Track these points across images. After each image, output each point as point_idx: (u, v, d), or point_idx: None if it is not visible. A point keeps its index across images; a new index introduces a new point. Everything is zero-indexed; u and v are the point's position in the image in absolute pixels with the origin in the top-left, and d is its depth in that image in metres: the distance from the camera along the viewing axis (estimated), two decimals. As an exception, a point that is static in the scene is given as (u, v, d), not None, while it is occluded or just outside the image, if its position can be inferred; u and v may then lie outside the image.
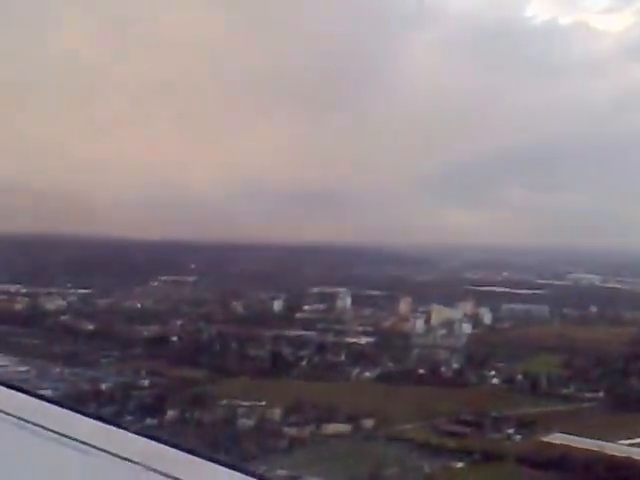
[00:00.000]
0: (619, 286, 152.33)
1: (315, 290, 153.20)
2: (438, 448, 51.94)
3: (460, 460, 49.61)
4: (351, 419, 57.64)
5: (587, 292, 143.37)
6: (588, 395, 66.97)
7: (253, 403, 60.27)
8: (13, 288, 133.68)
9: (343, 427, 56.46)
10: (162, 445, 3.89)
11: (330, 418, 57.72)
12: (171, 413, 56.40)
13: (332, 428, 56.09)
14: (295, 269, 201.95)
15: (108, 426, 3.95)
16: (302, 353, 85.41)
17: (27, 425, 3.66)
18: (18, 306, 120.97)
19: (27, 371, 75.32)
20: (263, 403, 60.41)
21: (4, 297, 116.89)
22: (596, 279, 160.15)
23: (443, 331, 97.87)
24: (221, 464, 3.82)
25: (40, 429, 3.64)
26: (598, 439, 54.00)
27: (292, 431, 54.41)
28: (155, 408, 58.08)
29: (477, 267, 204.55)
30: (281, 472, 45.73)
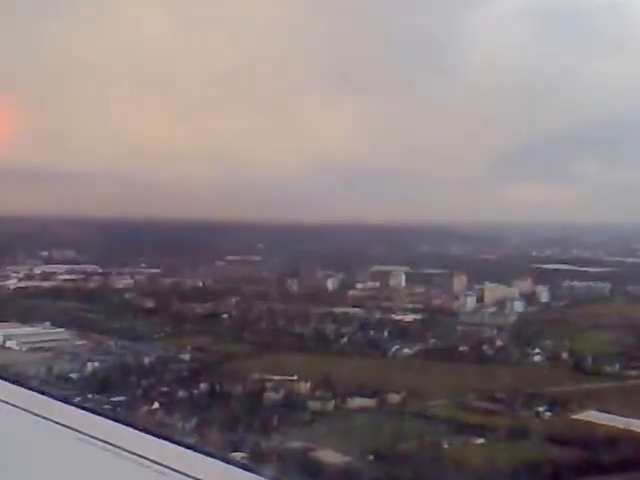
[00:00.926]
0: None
1: (374, 269, 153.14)
2: (463, 425, 50.75)
3: (482, 436, 48.31)
4: (378, 394, 57.29)
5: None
6: (633, 373, 63.70)
7: (284, 378, 60.97)
8: (90, 268, 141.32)
9: (368, 402, 56.19)
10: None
11: (357, 393, 57.57)
12: (203, 386, 57.78)
13: (357, 403, 55.93)
14: (360, 248, 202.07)
15: (185, 449, 4.03)
16: (345, 330, 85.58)
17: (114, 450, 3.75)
18: (91, 285, 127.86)
19: (83, 345, 79.52)
20: (294, 377, 61.00)
21: (81, 276, 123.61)
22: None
23: (492, 309, 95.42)
24: None
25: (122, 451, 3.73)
26: (635, 417, 51.49)
27: (316, 405, 54.60)
28: (189, 381, 59.79)
29: (546, 245, 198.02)
30: (296, 444, 46.19)
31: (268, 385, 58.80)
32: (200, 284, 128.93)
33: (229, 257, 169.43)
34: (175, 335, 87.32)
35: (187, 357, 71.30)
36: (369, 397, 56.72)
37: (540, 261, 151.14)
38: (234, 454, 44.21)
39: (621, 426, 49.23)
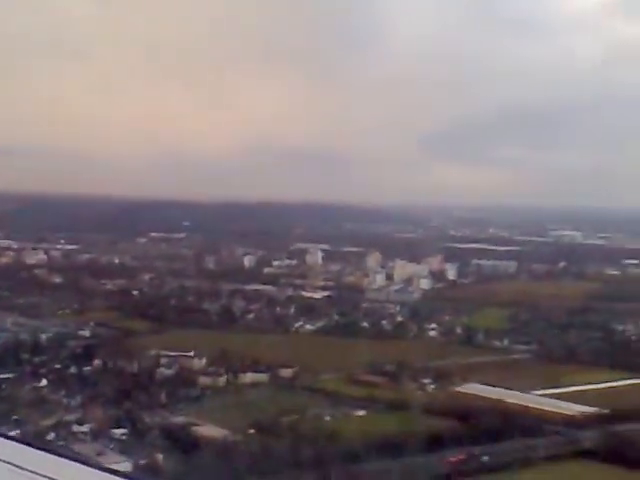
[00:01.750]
0: (600, 242, 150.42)
1: (295, 247, 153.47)
2: (349, 397, 51.72)
3: (364, 409, 49.39)
4: (271, 369, 57.67)
5: (565, 248, 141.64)
6: (521, 347, 66.34)
7: (180, 354, 60.49)
8: (4, 244, 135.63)
9: (261, 377, 56.49)
10: None
11: (251, 368, 57.74)
12: (96, 363, 56.69)
13: (250, 378, 56.13)
14: (284, 226, 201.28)
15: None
16: (253, 307, 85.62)
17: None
18: (2, 260, 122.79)
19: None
20: (191, 354, 60.61)
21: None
22: (578, 236, 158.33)
23: (398, 286, 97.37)
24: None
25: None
26: (514, 389, 53.76)
27: (207, 381, 54.49)
28: (83, 357, 58.50)
29: (464, 225, 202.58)
30: (180, 419, 46.01)
31: (163, 361, 58.31)
32: (116, 261, 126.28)
33: (152, 234, 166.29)
34: (81, 311, 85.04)
35: (87, 333, 69.74)
36: (262, 372, 57.13)
37: (456, 240, 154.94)
38: (114, 430, 43.95)
39: (497, 397, 51.27)
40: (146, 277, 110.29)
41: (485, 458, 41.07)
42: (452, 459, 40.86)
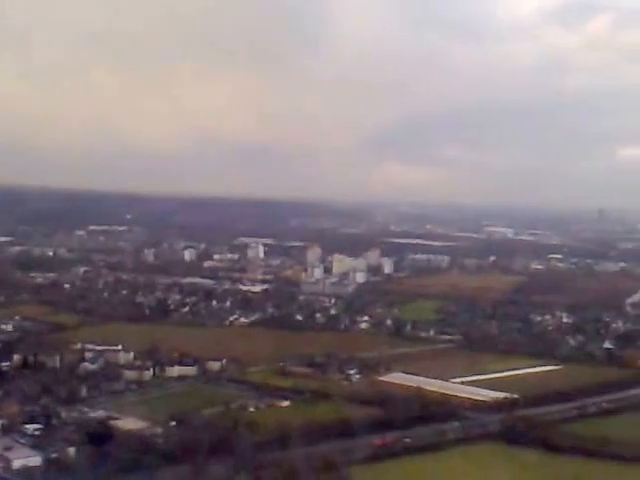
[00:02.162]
0: (529, 238, 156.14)
1: (238, 241, 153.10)
2: (275, 388, 51.86)
3: (288, 399, 49.63)
4: (199, 362, 57.33)
5: (497, 244, 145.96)
6: (445, 338, 67.95)
7: (107, 348, 59.47)
8: None
9: (189, 370, 56.09)
10: None
11: (179, 362, 57.26)
12: (16, 357, 55.17)
13: (177, 371, 55.67)
14: (230, 221, 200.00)
15: None
16: (189, 300, 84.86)
17: None
18: None
19: None
20: (118, 347, 59.62)
21: None
22: (509, 232, 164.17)
23: (334, 279, 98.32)
24: None
25: None
26: (436, 378, 54.96)
27: (132, 374, 53.76)
28: (3, 352, 56.80)
29: (405, 220, 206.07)
30: (99, 414, 45.22)
31: (87, 356, 57.13)
32: (51, 253, 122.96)
33: (91, 227, 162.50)
34: (6, 305, 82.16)
35: (9, 327, 67.54)
36: (190, 365, 56.67)
37: (396, 235, 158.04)
38: (27, 426, 42.78)
39: (418, 385, 52.38)
40: (80, 270, 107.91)
41: (407, 440, 41.90)
42: (378, 442, 41.63)
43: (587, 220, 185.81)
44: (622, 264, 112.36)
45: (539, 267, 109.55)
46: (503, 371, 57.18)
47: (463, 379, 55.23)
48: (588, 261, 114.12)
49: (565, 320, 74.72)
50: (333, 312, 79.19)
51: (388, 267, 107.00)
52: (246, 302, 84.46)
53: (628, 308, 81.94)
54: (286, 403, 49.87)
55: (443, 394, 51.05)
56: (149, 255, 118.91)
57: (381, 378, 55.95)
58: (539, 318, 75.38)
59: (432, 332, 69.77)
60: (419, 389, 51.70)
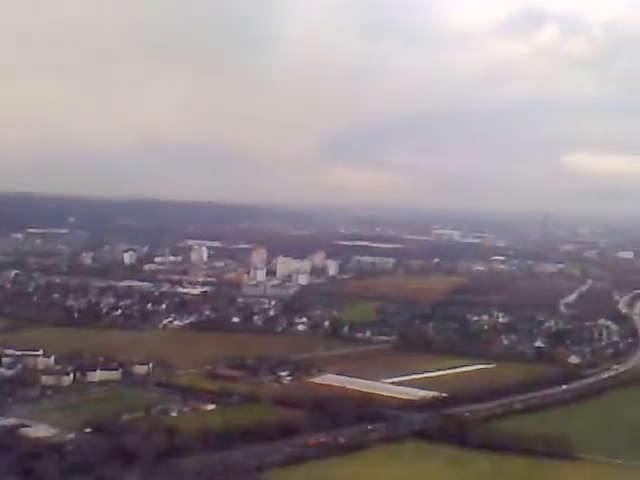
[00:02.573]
0: (475, 241, 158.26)
1: (185, 243, 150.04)
2: (202, 392, 50.19)
3: (215, 403, 48.00)
4: (124, 367, 55.13)
5: (444, 246, 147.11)
6: (382, 338, 67.35)
7: (27, 352, 56.74)
8: None
9: (112, 374, 53.84)
10: None
11: (103, 366, 54.93)
12: None
13: (100, 376, 53.35)
14: (178, 223, 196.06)
15: None
16: (123, 303, 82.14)
17: None
18: None
19: None
20: (39, 352, 56.91)
21: None
22: (457, 234, 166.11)
23: (275, 282, 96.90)
24: None
25: None
26: (368, 378, 54.18)
27: (50, 380, 51.24)
28: None
29: (355, 223, 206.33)
30: (10, 421, 42.73)
31: (5, 361, 54.28)
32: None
33: (30, 230, 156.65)
34: None
35: None
36: (114, 369, 54.40)
37: (345, 238, 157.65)
38: None
39: (349, 386, 51.55)
40: (11, 273, 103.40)
41: (331, 441, 40.88)
42: (311, 441, 40.58)
43: (532, 223, 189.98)
44: (561, 266, 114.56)
45: (481, 269, 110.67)
46: (436, 370, 56.90)
47: (395, 379, 54.68)
48: (529, 263, 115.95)
49: (501, 320, 75.24)
50: (271, 314, 77.79)
51: (333, 269, 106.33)
52: (183, 305, 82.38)
53: (562, 308, 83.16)
54: (212, 407, 48.25)
55: (373, 394, 50.37)
56: (87, 258, 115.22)
57: (313, 380, 54.92)
58: (476, 318, 75.70)
59: (369, 333, 69.15)
60: (349, 390, 50.94)
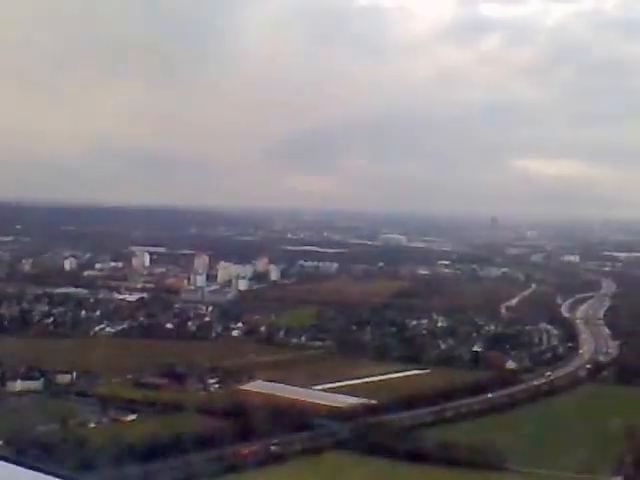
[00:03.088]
0: (422, 245, 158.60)
1: (129, 249, 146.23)
2: (125, 401, 48.61)
3: (137, 412, 46.54)
4: (45, 376, 53.08)
5: (390, 250, 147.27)
6: (317, 344, 66.70)
7: None
8: None
9: (33, 384, 51.74)
10: None
11: (23, 376, 52.74)
12: None
13: (20, 385, 51.19)
14: (125, 229, 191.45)
15: None
16: (56, 311, 79.43)
17: None
18: None
19: None
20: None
21: None
22: (404, 239, 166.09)
23: (214, 287, 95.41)
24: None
25: None
26: (300, 385, 53.41)
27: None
28: None
29: (304, 228, 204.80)
30: None
31: None
32: None
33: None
34: None
35: None
36: (36, 379, 52.43)
37: (292, 243, 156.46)
38: None
39: (279, 394, 50.67)
40: None
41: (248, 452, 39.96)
42: (228, 453, 39.59)
43: (481, 228, 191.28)
44: (505, 269, 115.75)
45: (425, 273, 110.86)
46: (369, 376, 56.29)
47: (326, 386, 53.92)
48: (473, 267, 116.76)
49: (440, 324, 75.26)
50: (207, 320, 76.30)
51: (275, 274, 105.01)
52: (117, 311, 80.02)
53: (503, 312, 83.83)
54: (132, 417, 46.85)
55: (302, 402, 49.45)
56: (26, 265, 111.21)
57: (242, 387, 53.73)
58: (415, 322, 75.56)
59: (304, 338, 68.33)
60: (278, 397, 49.96)
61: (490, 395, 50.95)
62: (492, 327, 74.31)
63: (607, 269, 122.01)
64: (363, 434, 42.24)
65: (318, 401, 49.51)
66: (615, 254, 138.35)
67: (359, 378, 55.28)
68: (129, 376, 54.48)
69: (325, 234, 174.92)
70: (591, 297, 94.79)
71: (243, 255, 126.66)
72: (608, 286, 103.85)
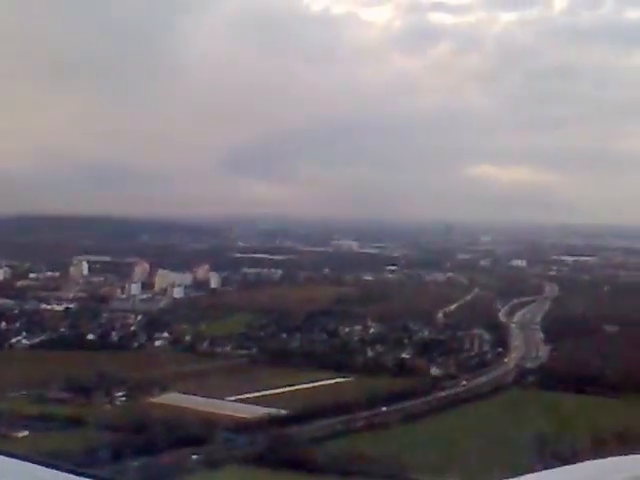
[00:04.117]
0: (373, 251, 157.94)
1: (70, 259, 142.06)
2: (21, 417, 46.10)
3: (33, 428, 44.12)
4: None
5: (340, 256, 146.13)
6: (242, 352, 64.92)
7: None
8: None
9: None
10: None
11: None
12: None
13: None
14: (73, 238, 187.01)
15: None
16: (-29, 322, 76.17)
17: None
18: None
19: None
20: None
21: None
22: (355, 245, 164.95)
23: (146, 295, 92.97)
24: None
25: None
26: (212, 396, 51.61)
27: None
28: None
29: (256, 236, 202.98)
30: None
31: None
32: None
33: None
34: None
35: None
36: None
37: (241, 250, 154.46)
38: None
39: (191, 406, 48.81)
40: None
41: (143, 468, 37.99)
42: (133, 467, 37.65)
43: (436, 233, 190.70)
44: (450, 274, 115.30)
45: (370, 278, 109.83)
46: (288, 385, 54.61)
47: (241, 396, 52.08)
48: (419, 272, 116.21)
49: (372, 330, 74.14)
50: (132, 330, 73.92)
51: (215, 281, 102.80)
52: (39, 322, 77.11)
53: (440, 317, 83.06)
54: (24, 433, 44.40)
55: (211, 414, 47.63)
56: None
57: (153, 399, 51.56)
58: (347, 329, 74.32)
59: (230, 347, 66.49)
60: (188, 410, 48.10)
61: (407, 403, 49.80)
62: (425, 333, 73.40)
63: (553, 273, 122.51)
64: (266, 446, 40.71)
65: (228, 413, 47.82)
66: (563, 258, 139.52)
67: (277, 387, 53.66)
68: (33, 390, 52.02)
69: (277, 241, 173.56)
70: (532, 301, 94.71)
71: (189, 263, 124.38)
72: (551, 290, 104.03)
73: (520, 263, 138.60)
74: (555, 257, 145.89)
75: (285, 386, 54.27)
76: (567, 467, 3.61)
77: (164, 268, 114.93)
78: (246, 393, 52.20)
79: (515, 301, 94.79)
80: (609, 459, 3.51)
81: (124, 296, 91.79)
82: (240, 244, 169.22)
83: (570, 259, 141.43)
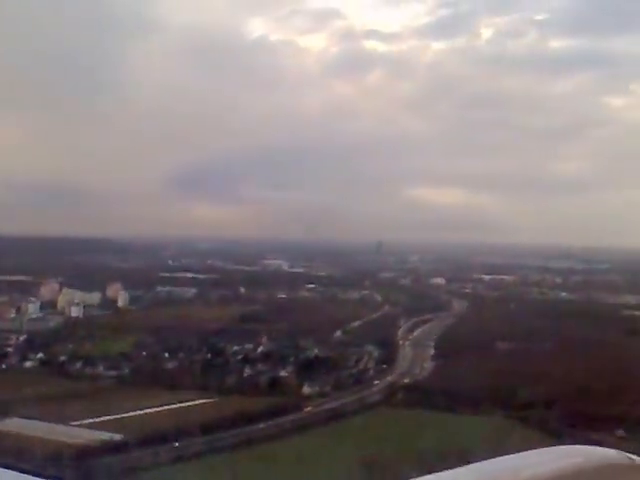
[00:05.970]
0: (300, 270, 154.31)
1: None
2: None
3: None
4: None
5: (266, 275, 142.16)
6: (111, 373, 60.28)
7: None
8: None
9: None
10: None
11: None
12: None
13: None
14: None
15: None
16: None
17: None
18: None
19: None
20: None
21: None
22: (285, 264, 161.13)
23: (35, 315, 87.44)
24: None
25: None
26: (60, 421, 46.89)
27: None
28: None
29: (189, 255, 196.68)
30: None
31: None
32: None
33: None
34: None
35: None
36: None
37: (169, 269, 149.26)
38: None
39: (27, 433, 43.99)
40: None
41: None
42: None
43: (367, 253, 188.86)
44: (365, 292, 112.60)
45: (283, 297, 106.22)
46: (145, 408, 50.24)
47: (88, 420, 47.56)
48: (334, 290, 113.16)
49: (261, 349, 70.34)
50: (7, 351, 68.45)
51: (122, 300, 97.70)
52: None
53: (337, 334, 79.86)
54: None
55: (48, 440, 43.11)
56: None
57: (-8, 425, 46.92)
58: (236, 348, 70.34)
59: (101, 368, 61.73)
60: (25, 437, 43.45)
61: (260, 425, 46.01)
62: (314, 351, 69.92)
63: (467, 290, 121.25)
64: (90, 474, 36.43)
65: (68, 439, 43.24)
66: (482, 276, 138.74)
67: (133, 410, 49.40)
68: None
69: (209, 261, 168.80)
70: (436, 318, 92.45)
71: (107, 282, 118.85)
72: (459, 307, 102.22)
73: (439, 281, 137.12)
74: (475, 275, 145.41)
75: (141, 409, 49.94)
76: (506, 457, 3.19)
77: (81, 287, 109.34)
78: (96, 417, 47.64)
79: (419, 318, 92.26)
80: (550, 448, 3.26)
81: (13, 316, 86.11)
82: (170, 263, 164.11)
83: (487, 277, 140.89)
